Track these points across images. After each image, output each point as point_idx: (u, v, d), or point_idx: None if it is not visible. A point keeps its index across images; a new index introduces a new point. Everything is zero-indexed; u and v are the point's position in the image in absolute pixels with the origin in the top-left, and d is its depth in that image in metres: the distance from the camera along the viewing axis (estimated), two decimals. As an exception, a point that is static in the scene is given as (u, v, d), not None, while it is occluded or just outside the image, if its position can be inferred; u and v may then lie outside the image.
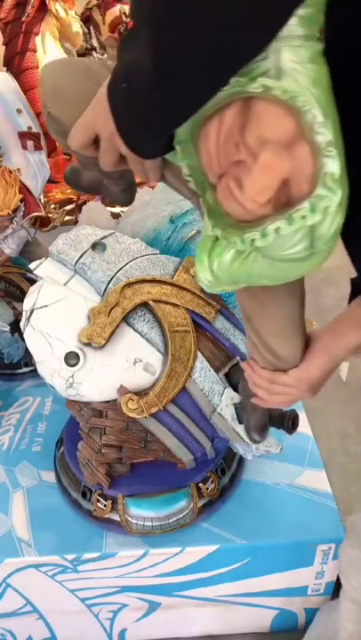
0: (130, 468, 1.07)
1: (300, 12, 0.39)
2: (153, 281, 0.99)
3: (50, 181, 1.49)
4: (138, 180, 0.67)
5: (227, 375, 0.99)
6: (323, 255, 0.46)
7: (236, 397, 0.97)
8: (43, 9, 2.26)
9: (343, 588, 0.91)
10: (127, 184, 0.76)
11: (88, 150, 0.56)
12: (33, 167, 1.34)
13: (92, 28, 2.95)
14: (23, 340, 0.98)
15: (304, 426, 1.24)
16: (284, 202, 0.43)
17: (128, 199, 0.80)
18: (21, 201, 1.25)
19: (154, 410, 0.92)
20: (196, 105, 0.43)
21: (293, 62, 0.41)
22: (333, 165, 0.41)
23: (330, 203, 0.42)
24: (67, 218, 2.37)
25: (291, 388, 0.73)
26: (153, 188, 1.26)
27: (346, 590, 0.90)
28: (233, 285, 0.52)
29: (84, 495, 1.09)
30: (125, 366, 0.93)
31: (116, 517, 1.05)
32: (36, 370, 0.97)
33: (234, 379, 0.99)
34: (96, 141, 0.55)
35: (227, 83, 0.41)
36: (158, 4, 0.36)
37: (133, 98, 0.44)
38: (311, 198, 0.42)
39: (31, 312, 0.96)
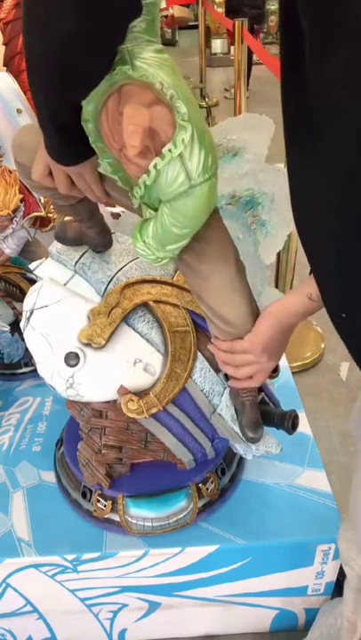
0: (130, 469, 1.07)
1: (143, 24, 0.58)
2: (153, 281, 0.99)
3: (50, 181, 1.49)
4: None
5: (227, 376, 0.99)
6: (204, 189, 0.59)
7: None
8: (43, 9, 2.26)
9: (347, 577, 0.91)
10: (99, 226, 0.96)
11: (47, 181, 0.73)
12: (33, 167, 1.34)
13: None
14: (23, 339, 0.98)
15: (304, 426, 1.24)
16: (160, 150, 0.57)
17: (106, 242, 1.00)
18: (21, 201, 1.25)
19: (154, 410, 0.92)
20: (59, 116, 0.60)
21: (141, 55, 0.58)
22: (182, 108, 0.56)
23: (185, 135, 0.56)
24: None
25: (249, 355, 0.83)
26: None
27: (350, 580, 0.90)
28: (163, 251, 0.66)
29: (84, 495, 1.09)
30: (125, 367, 0.93)
31: (115, 517, 1.05)
32: (36, 370, 0.96)
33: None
34: (52, 174, 0.71)
35: (75, 97, 0.59)
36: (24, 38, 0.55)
37: (39, 121, 0.62)
38: (174, 137, 0.57)
39: (31, 312, 0.96)
